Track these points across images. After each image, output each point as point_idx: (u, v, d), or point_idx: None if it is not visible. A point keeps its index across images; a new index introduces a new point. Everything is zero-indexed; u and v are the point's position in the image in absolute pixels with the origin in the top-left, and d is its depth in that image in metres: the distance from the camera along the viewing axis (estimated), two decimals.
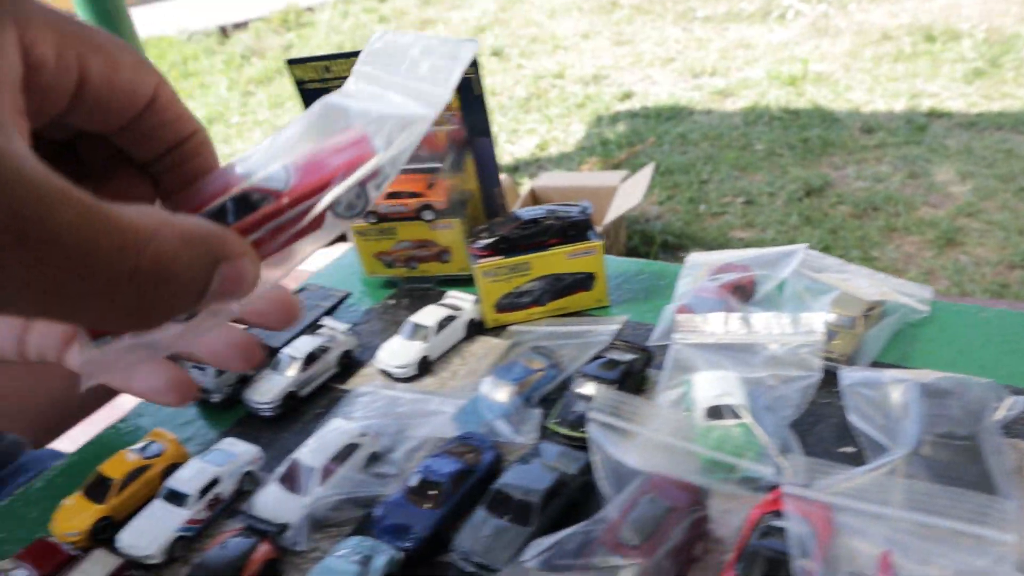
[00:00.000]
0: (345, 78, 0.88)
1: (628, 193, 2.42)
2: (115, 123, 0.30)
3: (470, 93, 0.85)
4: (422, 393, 0.74)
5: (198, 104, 5.07)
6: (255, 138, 4.52)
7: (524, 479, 0.60)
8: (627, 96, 3.89)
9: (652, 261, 0.97)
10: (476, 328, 0.85)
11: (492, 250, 0.82)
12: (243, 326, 0.37)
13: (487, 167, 0.91)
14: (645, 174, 2.48)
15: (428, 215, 0.88)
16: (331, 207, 0.29)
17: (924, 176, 2.83)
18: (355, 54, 0.85)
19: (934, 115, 3.19)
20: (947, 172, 2.82)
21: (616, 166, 3.19)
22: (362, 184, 0.30)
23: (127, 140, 0.31)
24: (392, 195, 0.88)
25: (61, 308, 0.24)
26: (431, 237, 0.90)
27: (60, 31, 0.26)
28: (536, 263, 0.82)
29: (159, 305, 0.25)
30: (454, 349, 0.82)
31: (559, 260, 0.82)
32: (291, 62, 0.86)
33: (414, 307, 0.92)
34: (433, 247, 0.91)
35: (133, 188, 0.32)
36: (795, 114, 3.38)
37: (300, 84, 0.88)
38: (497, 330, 0.85)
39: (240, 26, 6.19)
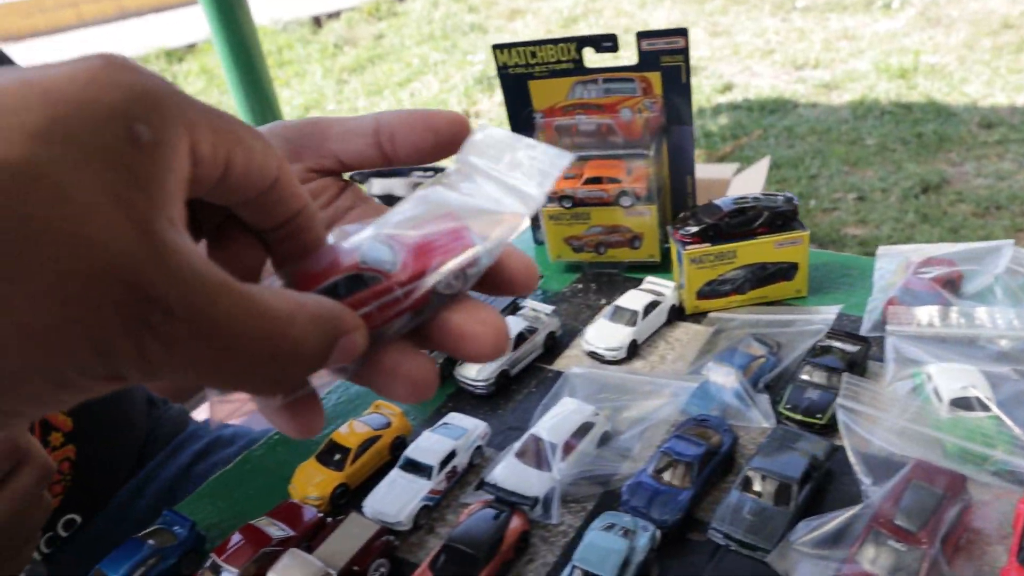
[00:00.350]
0: (550, 64, 0.89)
1: (743, 187, 2.39)
2: (240, 200, 0.33)
3: (677, 81, 0.86)
4: (640, 375, 0.75)
5: (295, 92, 5.19)
6: None
7: (777, 463, 0.60)
8: (728, 88, 3.84)
9: (837, 253, 0.96)
10: (676, 313, 0.85)
11: (699, 237, 0.82)
12: (483, 298, 0.37)
13: (683, 155, 0.92)
14: (761, 168, 2.45)
15: (626, 201, 0.89)
16: (434, 288, 0.33)
17: None
18: (562, 40, 0.86)
19: None
20: None
21: (721, 159, 3.15)
22: (462, 269, 0.33)
23: (246, 212, 0.34)
24: (591, 180, 0.89)
25: (212, 380, 0.28)
26: (625, 223, 0.91)
27: (214, 129, 0.30)
28: (742, 251, 0.82)
29: (290, 377, 0.29)
30: (658, 333, 0.83)
31: (766, 249, 0.82)
32: (496, 47, 0.88)
33: (602, 291, 0.93)
34: (626, 233, 0.92)
35: (247, 251, 0.35)
36: (907, 108, 3.28)
37: (503, 69, 0.89)
38: (696, 316, 0.85)
39: (333, 16, 6.31)
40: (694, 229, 0.83)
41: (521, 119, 0.93)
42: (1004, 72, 3.39)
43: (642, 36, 0.84)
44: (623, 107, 0.89)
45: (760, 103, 3.60)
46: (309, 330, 0.29)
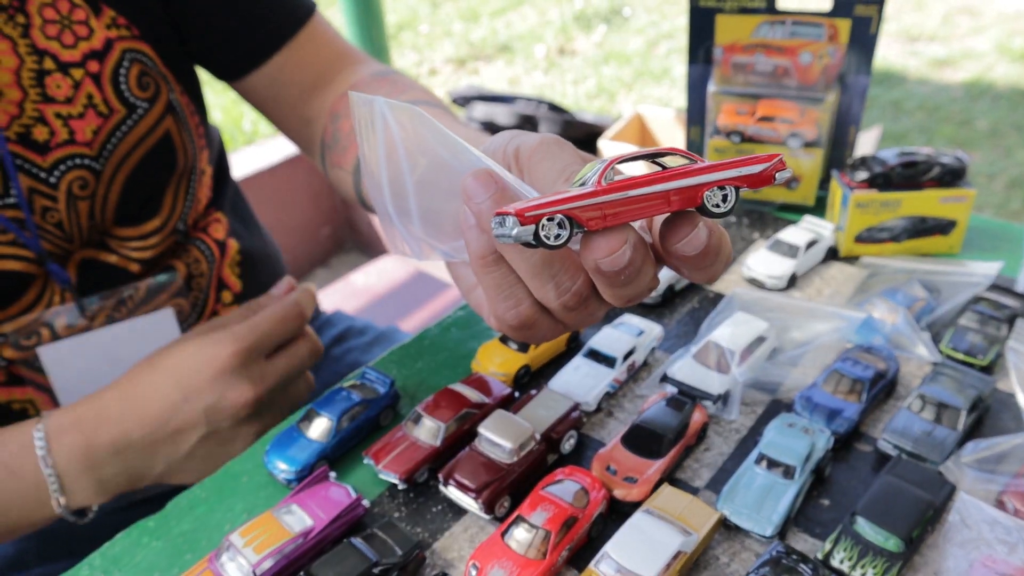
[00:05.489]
0: (740, 1, 0.91)
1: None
2: None
3: (865, 31, 0.89)
4: (805, 302, 0.80)
5: (389, 9, 5.21)
6: (446, 49, 4.64)
7: (945, 392, 0.66)
8: None
9: (990, 219, 0.99)
10: (831, 254, 0.90)
11: (868, 183, 0.86)
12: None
13: (852, 107, 0.95)
14: (871, 137, 2.42)
15: (795, 143, 0.93)
16: (708, 199, 0.40)
17: None
18: None
19: None
20: None
21: None
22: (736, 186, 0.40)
23: None
24: (764, 119, 0.93)
25: None
26: (788, 164, 0.95)
27: None
28: (907, 201, 0.86)
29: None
30: (814, 270, 0.88)
31: (930, 202, 0.86)
32: None
33: (754, 226, 0.98)
34: None
35: None
36: None
37: (694, 1, 0.93)
38: (850, 259, 0.90)
39: None
40: (864, 175, 0.87)
41: (701, 52, 0.97)
42: None
43: None
44: (804, 51, 0.92)
45: None
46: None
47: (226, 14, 0.78)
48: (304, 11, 0.83)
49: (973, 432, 0.66)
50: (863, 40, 0.90)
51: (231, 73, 0.83)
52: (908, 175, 0.86)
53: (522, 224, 0.36)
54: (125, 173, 0.76)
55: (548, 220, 0.36)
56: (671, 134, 2.74)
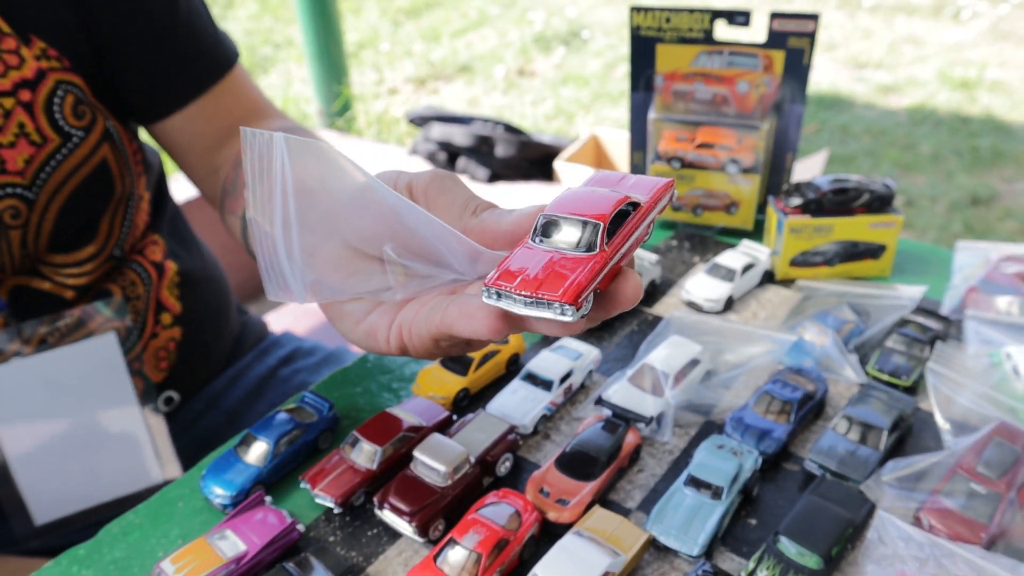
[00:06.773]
0: (681, 31, 0.94)
1: (799, 176, 2.44)
2: None
3: (799, 63, 0.92)
4: (739, 325, 0.82)
5: (350, 27, 5.22)
6: (406, 68, 4.65)
7: (869, 412, 0.68)
8: None
9: (918, 242, 1.02)
10: (767, 277, 0.92)
11: (801, 210, 0.89)
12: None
13: (788, 134, 0.98)
14: (818, 160, 2.49)
15: (733, 169, 0.96)
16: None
17: None
18: (697, 10, 0.92)
19: None
20: None
21: None
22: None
23: None
24: (703, 145, 0.96)
25: None
26: (725, 189, 0.98)
27: None
28: (839, 227, 0.89)
29: None
30: (751, 293, 0.91)
31: (861, 228, 0.89)
32: (635, 9, 0.94)
33: (695, 250, 1.00)
34: (724, 199, 0.99)
35: None
36: (965, 120, 3.29)
37: (635, 30, 0.95)
38: (785, 283, 0.92)
39: None
40: (798, 201, 0.89)
41: (642, 79, 0.99)
42: None
43: (775, 16, 0.90)
44: (741, 80, 0.95)
45: (818, 98, 3.62)
46: None
47: (147, 57, 0.78)
48: (225, 61, 0.83)
49: (895, 451, 0.68)
50: (797, 71, 0.93)
51: (147, 116, 0.83)
52: (839, 201, 0.89)
53: (578, 309, 0.38)
54: (60, 202, 0.75)
55: None
56: (626, 156, 2.78)
